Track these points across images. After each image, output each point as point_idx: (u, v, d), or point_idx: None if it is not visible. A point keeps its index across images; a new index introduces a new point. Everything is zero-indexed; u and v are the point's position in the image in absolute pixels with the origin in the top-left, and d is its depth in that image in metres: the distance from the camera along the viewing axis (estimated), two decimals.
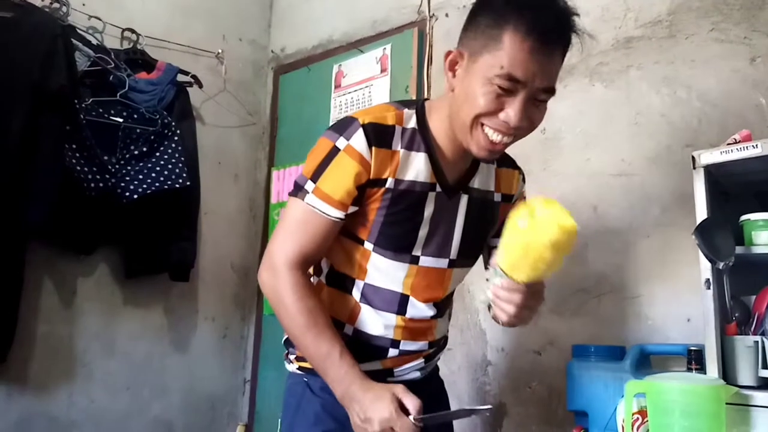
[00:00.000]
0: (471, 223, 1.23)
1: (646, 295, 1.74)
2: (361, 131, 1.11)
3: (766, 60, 1.64)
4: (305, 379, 1.24)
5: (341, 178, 1.11)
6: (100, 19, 2.36)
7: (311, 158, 1.15)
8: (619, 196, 1.83)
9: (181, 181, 2.30)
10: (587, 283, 1.84)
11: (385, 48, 2.47)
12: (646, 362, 1.55)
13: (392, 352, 1.22)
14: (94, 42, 2.31)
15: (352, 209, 1.14)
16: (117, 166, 2.22)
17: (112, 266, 2.38)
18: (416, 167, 1.15)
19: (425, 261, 1.19)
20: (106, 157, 2.19)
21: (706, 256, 1.31)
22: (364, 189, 1.13)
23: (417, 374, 1.28)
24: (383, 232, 1.16)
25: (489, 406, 1.15)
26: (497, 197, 1.29)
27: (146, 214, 2.28)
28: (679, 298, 1.65)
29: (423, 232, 1.17)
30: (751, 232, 1.37)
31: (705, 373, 1.31)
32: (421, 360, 1.27)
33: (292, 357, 1.28)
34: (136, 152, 2.29)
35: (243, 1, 2.97)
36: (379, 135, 1.12)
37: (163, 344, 2.53)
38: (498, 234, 1.31)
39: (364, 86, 2.51)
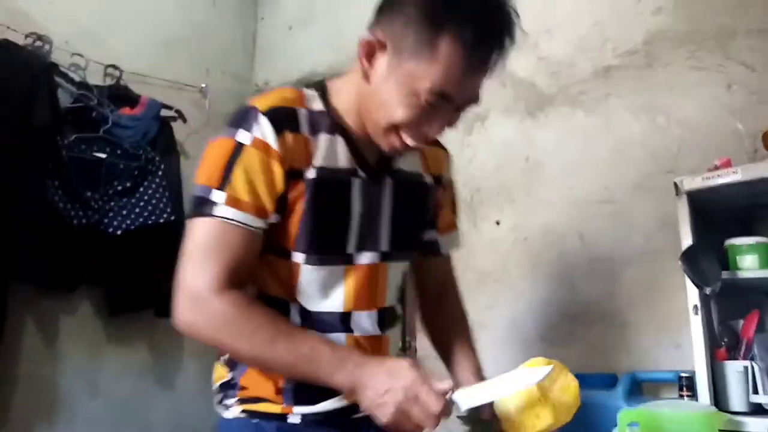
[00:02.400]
0: (401, 210, 1.08)
1: (635, 322, 1.74)
2: (263, 118, 0.94)
3: (742, 87, 1.67)
4: (254, 421, 1.02)
5: (255, 178, 0.93)
6: (82, 56, 2.35)
7: (207, 165, 0.96)
8: (604, 223, 1.84)
9: (165, 216, 2.28)
10: (576, 311, 1.84)
11: None
12: (638, 390, 1.55)
13: None
14: (77, 79, 2.30)
15: (274, 218, 0.96)
16: (100, 202, 2.20)
17: (95, 304, 2.33)
18: (332, 152, 0.99)
19: (359, 258, 1.03)
20: (89, 193, 2.17)
21: (694, 282, 1.32)
22: (285, 187, 0.95)
23: None
24: (312, 233, 0.98)
25: (548, 368, 0.96)
26: (428, 179, 1.15)
27: (130, 249, 2.25)
28: (668, 325, 1.65)
29: (354, 224, 1.01)
30: (736, 256, 1.38)
31: (697, 400, 1.31)
32: None
33: (231, 401, 1.05)
34: (119, 188, 2.26)
35: (226, 35, 2.98)
36: (285, 119, 0.96)
37: (148, 382, 2.47)
38: (432, 225, 1.18)
39: None
